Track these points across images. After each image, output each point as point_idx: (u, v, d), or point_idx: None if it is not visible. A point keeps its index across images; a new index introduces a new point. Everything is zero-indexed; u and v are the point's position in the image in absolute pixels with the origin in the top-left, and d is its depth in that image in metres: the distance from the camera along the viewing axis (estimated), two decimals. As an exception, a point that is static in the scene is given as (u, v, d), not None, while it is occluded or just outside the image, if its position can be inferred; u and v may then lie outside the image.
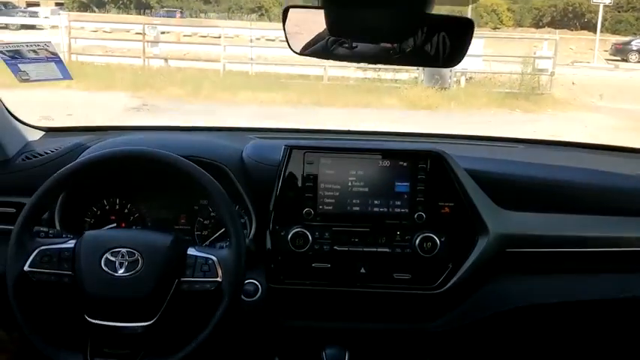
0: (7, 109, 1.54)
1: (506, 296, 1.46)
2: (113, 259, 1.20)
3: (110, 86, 9.22)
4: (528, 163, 1.57)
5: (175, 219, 1.57)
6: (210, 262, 1.23)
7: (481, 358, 1.63)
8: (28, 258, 1.21)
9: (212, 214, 1.55)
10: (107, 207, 1.56)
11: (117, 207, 1.57)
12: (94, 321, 1.19)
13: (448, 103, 9.18)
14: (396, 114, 8.07)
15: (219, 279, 1.22)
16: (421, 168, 1.40)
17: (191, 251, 1.25)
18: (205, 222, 1.56)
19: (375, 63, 1.09)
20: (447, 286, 1.40)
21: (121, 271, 1.19)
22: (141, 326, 1.19)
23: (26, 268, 1.20)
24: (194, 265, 1.23)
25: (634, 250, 1.48)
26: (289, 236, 1.39)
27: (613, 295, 1.48)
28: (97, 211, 1.56)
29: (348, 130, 1.87)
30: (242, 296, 1.41)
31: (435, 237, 1.39)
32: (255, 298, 1.42)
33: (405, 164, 1.41)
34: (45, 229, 1.30)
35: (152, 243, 1.24)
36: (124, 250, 1.21)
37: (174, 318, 1.24)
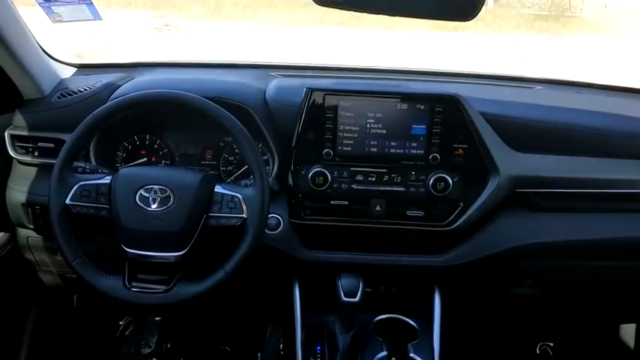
0: (41, 47, 1.60)
1: (514, 234, 1.53)
2: (147, 195, 1.30)
3: (131, 3, 9.10)
4: (543, 106, 1.60)
5: (202, 155, 1.66)
6: (235, 199, 1.33)
7: (487, 292, 1.73)
8: (69, 192, 1.32)
9: (237, 150, 1.63)
10: (138, 142, 1.65)
11: (147, 142, 1.66)
12: (130, 250, 1.31)
13: (475, 25, 8.93)
14: (422, 36, 7.89)
15: (244, 215, 1.32)
16: (437, 111, 1.45)
17: (218, 189, 1.35)
18: (230, 158, 1.65)
19: (394, 14, 1.12)
20: (458, 223, 1.49)
21: (154, 206, 1.30)
22: (173, 256, 1.30)
23: (68, 201, 1.32)
24: (221, 201, 1.33)
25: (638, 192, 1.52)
26: (310, 175, 1.47)
27: (623, 235, 1.54)
28: (128, 146, 1.65)
29: (368, 68, 1.90)
30: (265, 229, 1.52)
31: (448, 177, 1.46)
32: (277, 231, 1.53)
33: (422, 107, 1.45)
34: (82, 165, 1.40)
35: (183, 180, 1.33)
36: (156, 186, 1.31)
37: (203, 249, 1.35)
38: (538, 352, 2.16)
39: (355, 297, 1.38)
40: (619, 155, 1.53)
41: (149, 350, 2.10)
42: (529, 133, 1.52)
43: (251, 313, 2.11)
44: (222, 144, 1.65)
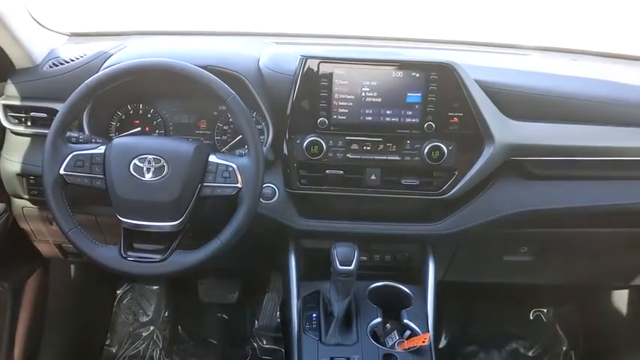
0: (32, 15, 1.58)
1: (509, 202, 1.54)
2: (141, 164, 1.30)
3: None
4: (538, 73, 1.59)
5: (196, 124, 1.65)
6: (230, 169, 1.33)
7: (482, 259, 1.74)
8: (63, 162, 1.31)
9: (231, 119, 1.62)
10: (131, 111, 1.64)
11: (140, 112, 1.64)
12: (125, 220, 1.31)
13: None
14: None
15: (239, 185, 1.32)
16: (433, 79, 1.44)
17: (212, 158, 1.34)
18: (224, 127, 1.64)
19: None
20: (453, 191, 1.49)
21: (148, 176, 1.30)
22: (168, 225, 1.31)
23: (62, 171, 1.31)
24: (215, 171, 1.33)
25: (636, 160, 1.53)
26: (304, 144, 1.46)
27: (616, 202, 1.55)
28: (121, 116, 1.64)
29: (362, 36, 1.88)
30: (261, 199, 1.51)
31: (443, 146, 1.45)
32: (272, 201, 1.53)
33: (417, 75, 1.44)
34: (75, 135, 1.39)
35: (176, 150, 1.33)
36: (150, 156, 1.31)
37: (198, 219, 1.35)
38: (532, 318, 2.19)
39: (350, 265, 1.39)
40: (613, 123, 1.52)
41: (147, 318, 2.13)
42: (524, 102, 1.51)
43: (249, 277, 2.13)
44: (216, 113, 1.64)
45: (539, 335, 2.17)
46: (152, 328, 2.12)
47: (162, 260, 1.31)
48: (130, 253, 1.32)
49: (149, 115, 1.65)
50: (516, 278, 1.85)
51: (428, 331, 1.43)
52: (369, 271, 1.59)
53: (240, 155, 1.37)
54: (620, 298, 2.02)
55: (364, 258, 1.61)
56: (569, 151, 1.51)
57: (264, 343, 2.12)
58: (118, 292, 2.18)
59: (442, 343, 2.07)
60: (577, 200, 1.55)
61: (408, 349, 1.38)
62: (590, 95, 1.53)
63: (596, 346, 2.10)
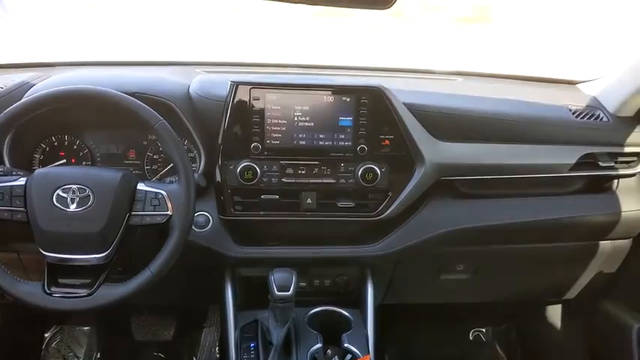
0: None
1: (441, 220, 1.57)
2: (64, 195, 1.24)
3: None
4: (463, 96, 1.65)
5: (125, 154, 1.60)
6: (159, 196, 1.29)
7: (419, 279, 1.76)
8: None
9: (161, 148, 1.58)
10: (56, 143, 1.58)
11: (66, 143, 1.58)
12: (49, 254, 1.24)
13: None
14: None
15: (169, 212, 1.28)
16: (363, 103, 1.46)
17: (141, 186, 1.30)
18: (155, 157, 1.60)
19: (313, 3, 1.10)
20: (387, 212, 1.50)
21: (72, 207, 1.24)
22: (95, 257, 1.25)
23: None
24: (144, 199, 1.29)
25: (559, 175, 1.59)
26: (238, 170, 1.44)
27: (538, 217, 1.61)
28: (45, 148, 1.57)
29: (294, 64, 1.90)
30: (194, 227, 1.48)
31: (376, 168, 1.47)
32: (206, 229, 1.49)
33: (347, 99, 1.46)
34: None
35: (102, 179, 1.28)
36: (74, 186, 1.25)
37: (127, 250, 1.30)
38: (471, 338, 2.21)
39: (288, 290, 1.36)
40: (532, 141, 1.59)
41: (77, 361, 2.02)
42: (450, 123, 1.55)
43: (185, 313, 2.06)
44: (145, 142, 1.60)
45: (480, 355, 2.19)
46: (83, 371, 2.01)
47: (89, 295, 1.24)
48: (54, 289, 1.25)
49: (75, 147, 1.59)
50: (454, 297, 1.87)
51: (368, 353, 1.42)
52: (309, 297, 1.57)
53: (171, 182, 1.33)
54: (554, 314, 2.07)
55: (303, 284, 1.59)
56: (493, 169, 1.57)
57: (204, 380, 2.04)
58: (45, 334, 2.06)
59: (384, 368, 2.06)
60: (504, 217, 1.60)
61: None
62: (513, 115, 1.60)
63: None
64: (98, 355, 2.04)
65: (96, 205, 1.25)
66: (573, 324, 2.02)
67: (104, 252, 1.26)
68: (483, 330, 2.22)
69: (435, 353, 2.16)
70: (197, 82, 1.54)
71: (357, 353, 1.42)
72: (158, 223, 1.29)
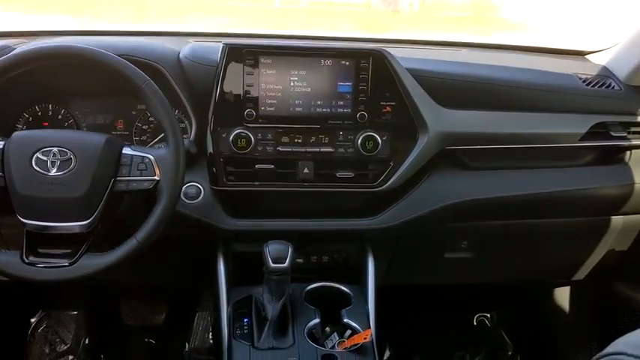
0: None
1: (445, 193, 1.49)
2: (44, 158, 1.16)
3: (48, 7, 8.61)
4: (469, 63, 1.58)
5: (112, 124, 1.52)
6: (147, 160, 1.21)
7: (422, 257, 1.68)
8: None
9: (150, 118, 1.51)
10: (39, 113, 1.50)
11: (50, 113, 1.50)
12: (28, 221, 1.16)
13: (401, 26, 9.02)
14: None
15: (157, 177, 1.20)
16: (363, 67, 1.38)
17: (126, 150, 1.22)
18: (144, 127, 1.52)
19: None
20: (389, 183, 1.42)
21: (53, 171, 1.16)
22: (77, 225, 1.17)
23: None
24: (130, 164, 1.21)
25: (569, 145, 1.52)
26: (231, 138, 1.36)
27: (546, 189, 1.53)
28: (28, 117, 1.49)
29: (290, 35, 1.83)
30: (184, 198, 1.40)
31: (377, 136, 1.39)
32: (197, 201, 1.41)
33: (347, 63, 1.38)
34: None
35: (85, 142, 1.20)
36: (55, 149, 1.17)
37: (112, 217, 1.22)
38: (475, 323, 2.14)
39: (284, 262, 1.28)
40: (543, 109, 1.52)
41: (65, 347, 1.94)
42: (456, 89, 1.48)
43: (177, 296, 1.98)
44: (134, 112, 1.52)
45: (484, 341, 2.11)
46: (71, 357, 1.92)
47: (70, 264, 1.16)
48: (33, 259, 1.17)
49: (59, 117, 1.51)
50: (459, 278, 1.79)
51: (369, 328, 1.34)
52: (306, 275, 1.49)
53: (159, 148, 1.26)
54: (563, 296, 1.99)
55: (300, 260, 1.51)
56: (500, 138, 1.49)
57: (197, 367, 1.96)
58: (32, 320, 1.97)
59: (386, 355, 1.98)
60: (510, 189, 1.52)
61: (349, 347, 1.28)
62: (520, 82, 1.53)
63: (541, 348, 2.06)
64: (86, 341, 1.96)
65: (78, 169, 1.17)
66: (583, 307, 1.94)
67: (87, 220, 1.17)
68: (488, 315, 2.14)
69: (439, 339, 2.08)
70: (188, 47, 1.47)
71: (357, 328, 1.33)
72: (145, 188, 1.21)
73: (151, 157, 1.21)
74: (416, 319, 2.06)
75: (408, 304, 2.00)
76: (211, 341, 1.95)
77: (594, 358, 0.64)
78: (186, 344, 1.97)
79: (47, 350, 1.93)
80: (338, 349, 1.29)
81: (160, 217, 1.19)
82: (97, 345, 1.97)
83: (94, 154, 1.18)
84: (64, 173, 1.16)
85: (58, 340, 1.95)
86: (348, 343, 1.28)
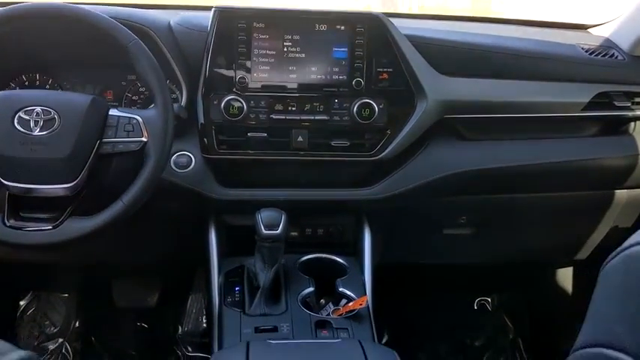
0: None
1: (443, 163, 1.45)
2: (27, 117, 1.12)
3: None
4: (467, 33, 1.54)
5: (101, 94, 1.47)
6: (134, 121, 1.17)
7: (421, 232, 1.64)
8: None
9: (141, 89, 1.47)
10: (27, 83, 1.45)
11: (37, 83, 1.46)
12: (10, 183, 1.12)
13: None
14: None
15: (144, 139, 1.16)
16: (359, 32, 1.34)
17: (113, 112, 1.18)
18: (134, 97, 1.48)
19: None
20: (385, 152, 1.38)
21: (36, 131, 1.12)
22: (61, 188, 1.12)
23: None
24: (117, 125, 1.16)
25: (571, 115, 1.48)
26: (223, 104, 1.32)
27: (547, 160, 1.49)
28: (15, 88, 1.45)
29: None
30: (175, 167, 1.37)
31: (374, 103, 1.35)
32: (188, 170, 1.37)
33: (342, 28, 1.34)
34: None
35: (69, 102, 1.16)
36: (38, 108, 1.13)
37: (99, 181, 1.18)
38: (476, 307, 2.09)
39: (277, 229, 1.24)
40: (539, 78, 1.48)
41: (55, 329, 1.89)
42: (454, 57, 1.44)
43: (170, 278, 1.93)
44: (124, 83, 1.47)
45: (485, 325, 2.06)
46: (60, 340, 1.87)
47: (54, 227, 1.12)
48: (15, 222, 1.12)
49: (47, 87, 1.46)
50: (458, 257, 1.75)
51: (365, 295, 1.29)
52: (301, 248, 1.44)
53: (147, 109, 1.21)
54: (565, 278, 1.95)
55: (295, 233, 1.46)
56: (501, 107, 1.45)
57: (190, 350, 1.90)
58: (20, 303, 1.92)
59: (384, 339, 1.93)
60: (510, 160, 1.48)
61: (344, 314, 1.23)
62: (520, 50, 1.50)
63: (543, 331, 2.01)
64: (76, 324, 1.91)
65: (62, 129, 1.12)
66: (586, 289, 1.89)
67: (71, 182, 1.13)
68: (489, 299, 2.09)
69: (439, 323, 2.03)
70: (180, 15, 1.44)
71: (352, 297, 1.29)
72: (132, 150, 1.16)
73: (139, 118, 1.17)
74: (415, 304, 2.02)
75: (407, 287, 1.96)
76: (204, 325, 1.90)
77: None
78: (179, 327, 1.92)
79: (36, 333, 1.89)
80: (333, 316, 1.24)
81: (148, 180, 1.15)
82: (88, 328, 1.93)
83: (78, 114, 1.14)
84: (48, 133, 1.12)
85: (47, 322, 1.90)
86: (343, 310, 1.24)
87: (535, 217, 1.64)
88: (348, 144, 1.38)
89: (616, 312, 0.66)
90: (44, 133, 1.12)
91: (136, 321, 1.96)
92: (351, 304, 1.23)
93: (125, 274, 1.91)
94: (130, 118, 1.17)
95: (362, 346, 1.01)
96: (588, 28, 1.75)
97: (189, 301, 1.93)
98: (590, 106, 1.48)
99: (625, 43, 1.57)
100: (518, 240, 1.70)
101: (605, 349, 0.64)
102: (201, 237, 1.45)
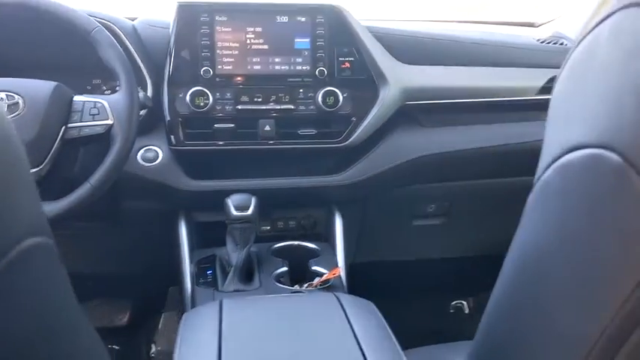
0: None
1: (408, 148, 1.48)
2: None
3: None
4: (427, 22, 1.60)
5: None
6: (99, 105, 1.17)
7: (391, 223, 1.64)
8: None
9: (106, 92, 1.48)
10: None
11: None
12: None
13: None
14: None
15: (110, 121, 1.16)
16: (319, 23, 1.39)
17: (78, 97, 1.19)
18: None
19: None
20: (352, 139, 1.40)
21: None
22: None
23: None
24: (82, 109, 1.17)
25: (527, 99, 1.53)
26: (188, 96, 1.33)
27: (501, 142, 1.53)
28: None
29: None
30: (142, 162, 1.36)
31: (338, 92, 1.38)
32: (155, 163, 1.37)
33: (303, 19, 1.39)
34: None
35: (34, 87, 1.16)
36: (2, 94, 1.13)
37: (65, 164, 1.17)
38: (452, 310, 2.07)
39: (247, 210, 1.24)
40: (495, 64, 1.53)
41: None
42: (413, 46, 1.50)
43: (141, 295, 1.88)
44: (89, 87, 1.48)
45: (462, 329, 2.03)
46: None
47: None
48: None
49: None
50: (429, 251, 1.75)
51: (338, 267, 1.28)
52: (273, 240, 1.43)
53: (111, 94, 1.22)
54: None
55: (267, 227, 1.47)
56: (460, 92, 1.50)
57: (164, 369, 1.83)
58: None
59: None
60: (471, 141, 1.52)
61: (318, 286, 1.22)
62: (474, 39, 1.56)
63: None
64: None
65: (26, 113, 1.12)
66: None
67: (37, 167, 1.12)
68: (464, 302, 2.08)
69: (412, 328, 1.98)
70: (142, 17, 1.47)
71: (324, 273, 1.28)
72: (97, 133, 1.16)
73: (104, 102, 1.18)
74: (387, 307, 1.98)
75: (379, 291, 1.93)
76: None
77: None
78: (152, 346, 1.85)
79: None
80: (307, 289, 1.23)
81: (115, 161, 1.15)
82: None
83: (43, 98, 1.14)
84: (12, 117, 1.11)
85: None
86: (316, 284, 1.22)
87: (503, 204, 1.65)
88: (315, 132, 1.40)
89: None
90: (9, 116, 1.11)
91: (108, 342, 1.89)
92: (324, 276, 1.22)
93: (95, 291, 1.86)
94: (95, 102, 1.18)
95: (337, 298, 1.00)
96: (538, 26, 1.83)
97: (162, 318, 1.87)
98: (543, 90, 1.53)
99: (573, 34, 1.65)
100: (487, 229, 1.71)
101: None
102: (172, 250, 1.43)
